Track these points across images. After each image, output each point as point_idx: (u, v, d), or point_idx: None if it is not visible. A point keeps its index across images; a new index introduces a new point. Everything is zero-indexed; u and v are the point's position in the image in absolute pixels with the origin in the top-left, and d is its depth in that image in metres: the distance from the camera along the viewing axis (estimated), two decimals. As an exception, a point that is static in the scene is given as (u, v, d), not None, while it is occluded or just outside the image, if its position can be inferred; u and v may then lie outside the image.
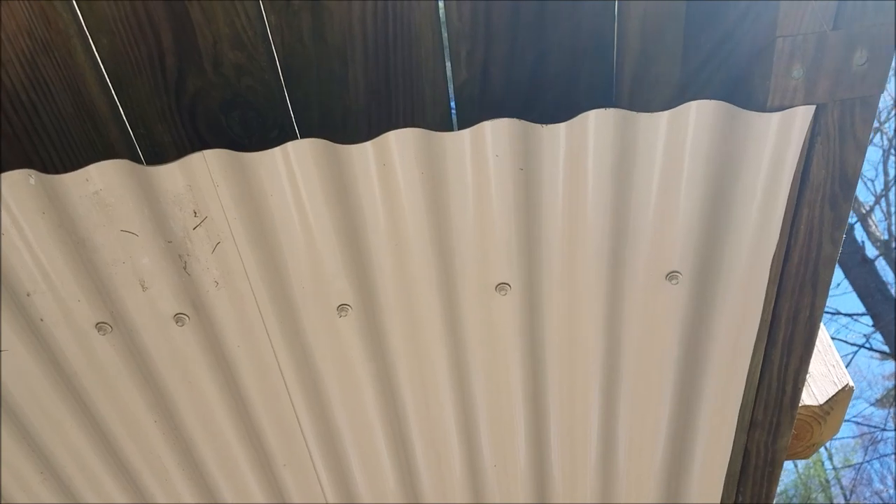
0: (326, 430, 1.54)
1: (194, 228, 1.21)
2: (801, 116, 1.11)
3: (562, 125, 1.15)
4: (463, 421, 1.57)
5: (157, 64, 1.29)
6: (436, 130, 1.24)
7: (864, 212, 11.67)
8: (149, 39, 1.26)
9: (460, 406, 1.54)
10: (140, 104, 1.32)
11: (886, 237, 11.71)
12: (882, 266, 11.24)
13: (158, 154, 1.38)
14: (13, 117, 1.29)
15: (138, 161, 1.36)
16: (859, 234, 11.52)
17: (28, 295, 1.22)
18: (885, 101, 12.15)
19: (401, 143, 1.16)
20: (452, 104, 1.40)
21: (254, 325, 1.35)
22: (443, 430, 1.58)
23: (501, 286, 1.35)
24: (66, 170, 1.34)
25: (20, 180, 1.11)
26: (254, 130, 1.39)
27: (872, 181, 12.50)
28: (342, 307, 1.35)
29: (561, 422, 1.58)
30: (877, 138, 12.18)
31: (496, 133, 1.16)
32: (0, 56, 1.23)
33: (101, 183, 1.13)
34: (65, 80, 1.27)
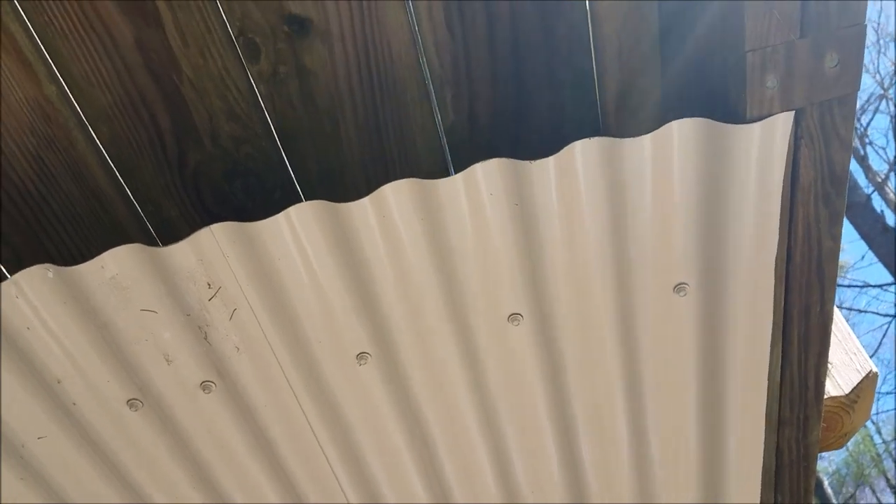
0: (362, 477, 1.57)
1: (210, 299, 1.25)
2: (782, 123, 1.14)
3: (550, 159, 1.18)
4: (494, 452, 1.59)
5: (157, 144, 1.34)
6: (431, 174, 1.28)
7: (879, 181, 11.56)
8: (146, 122, 1.31)
9: (490, 438, 1.57)
10: (145, 183, 1.38)
11: (905, 203, 11.57)
12: (905, 232, 11.09)
13: (168, 228, 1.43)
14: (25, 211, 1.35)
15: (151, 238, 1.41)
16: (878, 203, 11.40)
17: (59, 382, 1.27)
18: (885, 67, 12.05)
19: (397, 194, 1.19)
20: (446, 147, 1.44)
21: (278, 383, 1.39)
22: (476, 462, 1.61)
23: (513, 317, 1.38)
24: (81, 255, 1.39)
25: (38, 275, 1.16)
26: (257, 195, 1.44)
27: (884, 149, 12.38)
28: (361, 356, 1.38)
29: (591, 442, 1.60)
30: (882, 105, 12.08)
31: (487, 173, 1.19)
32: (5, 154, 1.29)
33: (116, 268, 1.18)
34: (70, 170, 1.33)
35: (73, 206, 1.36)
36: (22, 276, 1.16)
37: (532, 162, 1.19)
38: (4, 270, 1.35)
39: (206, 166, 1.38)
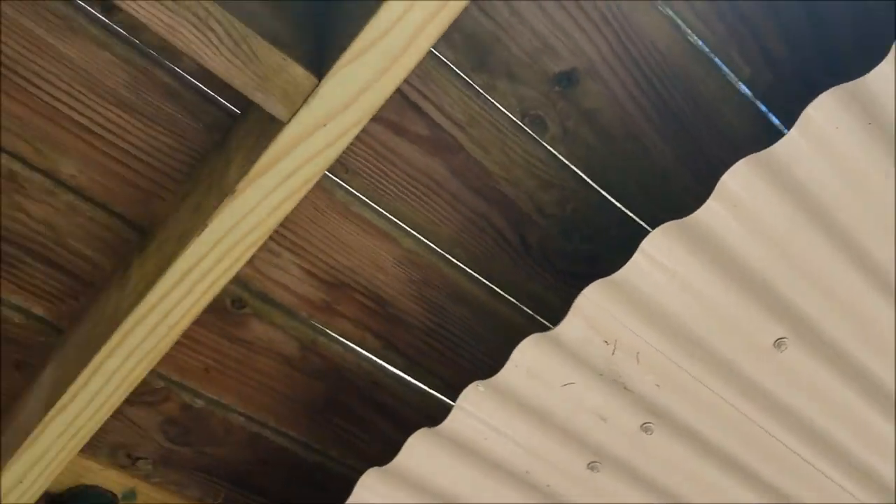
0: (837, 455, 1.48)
1: (612, 354, 1.31)
2: None
3: (883, 64, 1.04)
4: None
5: (502, 242, 1.47)
6: (756, 139, 1.21)
7: None
8: (486, 230, 1.45)
9: None
10: (509, 279, 1.51)
11: None
12: None
13: (545, 307, 1.54)
14: (435, 344, 1.56)
15: (538, 323, 1.54)
16: None
17: (527, 472, 1.42)
18: None
19: (736, 179, 1.15)
20: (757, 102, 1.35)
21: (708, 399, 1.38)
22: None
23: None
24: (494, 361, 1.55)
25: (474, 393, 1.33)
26: (597, 239, 1.49)
27: None
28: (779, 342, 1.32)
29: None
30: None
31: (823, 112, 1.09)
32: (402, 310, 1.52)
33: (527, 362, 1.30)
34: (451, 297, 1.51)
35: (467, 324, 1.54)
36: (463, 399, 1.33)
37: (866, 76, 1.05)
38: (447, 399, 1.57)
39: (545, 238, 1.47)
